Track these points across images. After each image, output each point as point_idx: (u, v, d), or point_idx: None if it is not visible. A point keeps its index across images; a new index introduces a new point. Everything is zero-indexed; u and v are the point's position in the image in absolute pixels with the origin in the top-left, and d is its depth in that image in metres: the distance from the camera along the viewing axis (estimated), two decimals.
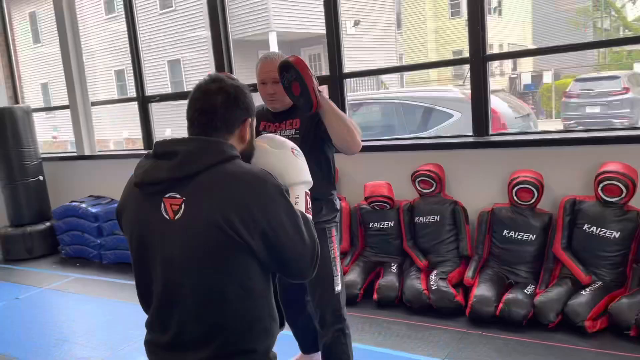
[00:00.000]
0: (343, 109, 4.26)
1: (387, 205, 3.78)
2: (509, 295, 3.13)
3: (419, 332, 3.16)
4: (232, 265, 1.23)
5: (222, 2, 4.75)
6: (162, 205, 1.26)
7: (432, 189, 3.68)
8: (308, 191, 1.42)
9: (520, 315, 3.05)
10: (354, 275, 3.70)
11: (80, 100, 5.64)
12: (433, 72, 16.82)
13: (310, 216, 1.38)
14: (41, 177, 5.69)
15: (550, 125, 13.93)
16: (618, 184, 3.00)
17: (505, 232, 3.41)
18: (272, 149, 1.42)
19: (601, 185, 3.07)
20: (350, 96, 6.86)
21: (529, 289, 3.20)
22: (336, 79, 4.25)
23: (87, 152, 5.72)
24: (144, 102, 5.33)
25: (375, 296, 3.56)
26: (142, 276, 1.34)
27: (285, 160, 1.41)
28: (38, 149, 5.74)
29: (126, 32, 5.28)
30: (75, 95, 5.62)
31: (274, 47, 13.24)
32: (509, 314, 3.07)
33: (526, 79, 18.00)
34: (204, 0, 13.63)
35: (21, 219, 5.57)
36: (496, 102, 5.07)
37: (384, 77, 14.30)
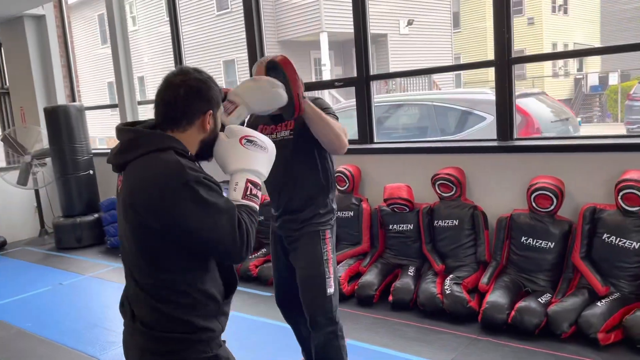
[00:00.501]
0: (369, 111, 4.30)
1: (406, 208, 3.79)
2: (521, 303, 3.08)
3: (428, 336, 3.16)
4: (145, 243, 1.38)
5: (257, 5, 4.88)
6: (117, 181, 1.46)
7: (452, 192, 3.65)
8: (254, 179, 1.46)
9: (532, 324, 2.99)
10: (371, 276, 3.73)
11: (128, 99, 5.95)
12: (483, 72, 16.42)
13: (248, 202, 1.43)
14: (91, 171, 6.05)
15: (614, 129, 13.29)
16: (638, 192, 2.89)
17: (523, 238, 3.35)
18: (223, 138, 1.49)
19: (621, 193, 2.96)
20: (379, 98, 6.87)
21: (544, 298, 3.13)
22: (363, 81, 4.28)
23: None
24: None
25: (390, 298, 3.59)
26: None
27: (230, 149, 1.46)
28: (89, 144, 6.11)
29: (172, 36, 5.53)
30: (123, 94, 5.94)
31: (324, 48, 13.37)
32: (521, 322, 3.01)
33: (594, 80, 17.25)
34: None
35: (72, 210, 5.95)
36: (532, 106, 4.94)
37: (436, 77, 14.09)
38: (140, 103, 6.11)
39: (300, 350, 2.72)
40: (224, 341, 1.55)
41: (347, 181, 4.09)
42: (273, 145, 1.54)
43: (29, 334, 3.62)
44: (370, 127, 4.33)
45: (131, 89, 5.98)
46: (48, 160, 6.30)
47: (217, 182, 1.40)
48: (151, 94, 15.38)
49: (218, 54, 14.30)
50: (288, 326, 2.63)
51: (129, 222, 1.37)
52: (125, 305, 1.49)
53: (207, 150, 1.49)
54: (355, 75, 4.37)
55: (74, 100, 6.86)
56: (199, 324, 1.42)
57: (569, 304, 2.99)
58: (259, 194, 1.47)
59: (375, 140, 4.37)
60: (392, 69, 14.93)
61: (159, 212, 1.32)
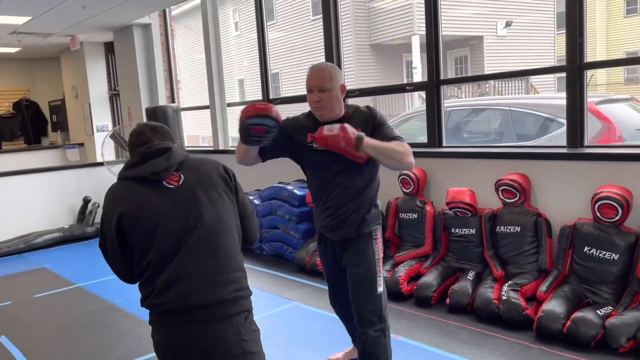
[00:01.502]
0: (438, 115, 4.35)
1: (469, 212, 3.81)
2: (578, 314, 3.02)
3: (480, 339, 3.19)
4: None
5: (335, 10, 5.08)
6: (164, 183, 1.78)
7: (515, 199, 3.62)
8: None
9: (588, 336, 2.93)
10: (431, 278, 3.80)
11: (218, 101, 6.41)
12: (601, 76, 15.40)
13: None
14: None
15: None
16: None
17: (586, 248, 3.26)
18: None
19: None
20: (451, 102, 6.76)
21: (604, 310, 3.04)
22: (433, 85, 4.33)
23: (221, 147, 6.49)
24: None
25: (447, 300, 3.63)
26: (156, 246, 1.72)
27: None
28: (183, 142, 6.65)
29: (259, 41, 5.89)
30: (214, 96, 6.41)
31: (416, 51, 13.32)
32: (576, 333, 2.96)
33: None
34: (351, 7, 14.16)
35: None
36: (618, 112, 4.71)
37: (534, 80, 13.50)
38: (229, 105, 6.55)
39: (350, 340, 2.88)
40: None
41: (412, 184, 4.17)
42: None
43: (118, 308, 4.09)
44: (439, 131, 4.37)
45: (222, 92, 6.43)
46: None
47: None
48: (250, 96, 16.21)
49: (312, 57, 14.74)
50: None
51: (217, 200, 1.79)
52: None
53: None
54: (426, 79, 4.43)
55: (173, 102, 7.48)
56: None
57: (629, 318, 2.89)
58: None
59: (444, 145, 4.40)
60: (487, 71, 14.51)
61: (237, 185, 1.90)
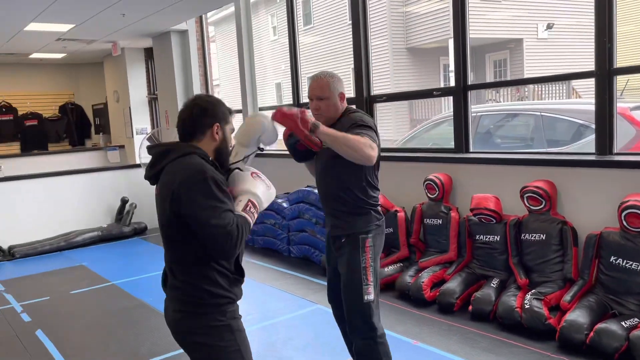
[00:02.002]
0: (466, 121, 4.32)
1: (493, 219, 3.77)
2: (601, 325, 2.95)
3: (499, 348, 3.16)
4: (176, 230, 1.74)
5: (365, 14, 5.11)
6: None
7: (541, 206, 3.57)
8: (254, 200, 1.78)
9: (611, 347, 2.86)
10: (454, 284, 3.78)
11: (250, 104, 6.54)
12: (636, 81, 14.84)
13: (245, 215, 1.73)
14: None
15: None
16: None
17: (612, 258, 3.18)
18: (238, 171, 1.86)
19: None
20: (482, 107, 6.64)
21: (630, 322, 2.96)
22: (460, 91, 4.31)
23: None
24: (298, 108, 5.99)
25: (470, 307, 3.61)
26: None
27: (241, 177, 1.83)
28: None
29: (290, 45, 5.99)
30: (246, 100, 6.54)
31: (452, 54, 13.16)
32: (599, 344, 2.90)
33: None
34: (387, 11, 14.12)
35: None
36: None
37: (576, 84, 13.15)
38: (261, 109, 6.67)
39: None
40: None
41: (437, 189, 4.16)
42: (274, 190, 1.89)
43: (148, 306, 4.23)
44: (466, 137, 4.35)
45: (254, 96, 6.55)
46: None
47: (226, 189, 1.73)
48: (286, 99, 16.39)
49: (350, 61, 14.79)
50: None
51: (165, 212, 1.73)
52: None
53: (222, 158, 1.84)
54: (453, 84, 4.41)
55: None
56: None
57: None
58: (256, 214, 1.78)
59: (471, 150, 4.37)
60: (527, 74, 14.21)
61: (182, 201, 1.66)
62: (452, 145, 4.48)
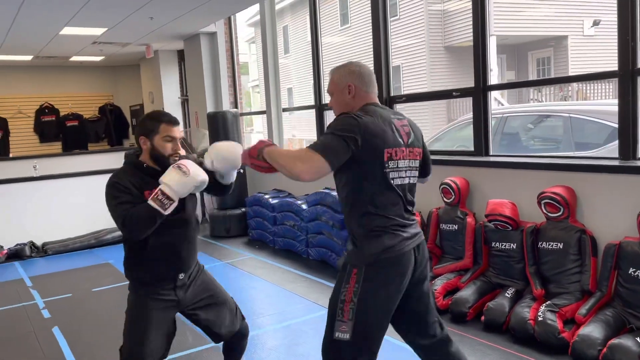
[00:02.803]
0: (485, 123, 4.18)
1: (509, 226, 3.62)
2: (615, 340, 2.78)
3: None
4: None
5: (385, 13, 5.02)
6: None
7: (559, 213, 3.40)
8: (166, 190, 2.07)
9: None
10: (467, 293, 3.65)
11: (274, 106, 6.55)
12: None
13: (151, 202, 2.06)
14: (242, 170, 6.78)
15: None
16: None
17: (631, 270, 3.00)
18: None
19: None
20: (508, 108, 6.39)
21: None
22: (479, 91, 4.17)
23: None
24: (320, 109, 5.95)
25: (482, 318, 3.48)
26: None
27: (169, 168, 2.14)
28: (243, 145, 6.84)
29: (312, 46, 5.96)
30: (270, 102, 6.55)
31: (493, 52, 12.82)
32: None
33: None
34: (425, 9, 13.88)
35: (225, 204, 6.74)
36: None
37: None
38: (284, 110, 6.67)
39: None
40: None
41: (453, 193, 4.03)
42: (200, 176, 2.10)
43: None
44: (485, 139, 4.20)
45: (277, 97, 6.56)
46: None
47: (127, 187, 2.16)
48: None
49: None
50: None
51: None
52: None
53: (158, 161, 2.24)
54: (472, 85, 4.27)
55: (236, 107, 7.73)
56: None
57: None
58: (166, 202, 2.07)
59: (490, 153, 4.22)
60: (572, 72, 13.68)
61: None
62: (470, 148, 4.34)
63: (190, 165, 2.12)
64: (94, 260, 5.96)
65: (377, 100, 2.10)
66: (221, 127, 6.63)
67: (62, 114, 10.16)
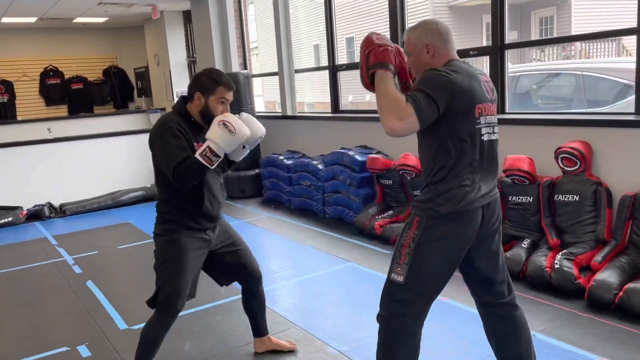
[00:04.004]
0: (502, 82, 4.26)
1: (526, 180, 3.77)
2: (631, 285, 2.96)
3: (527, 305, 3.18)
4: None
5: None
6: None
7: (576, 167, 3.54)
8: (213, 147, 2.21)
9: None
10: None
11: (286, 67, 6.58)
12: None
13: (199, 158, 2.21)
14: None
15: None
16: None
17: None
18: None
19: None
20: (521, 67, 6.44)
21: None
22: (497, 50, 4.24)
23: (289, 113, 6.69)
24: (334, 70, 6.00)
25: None
26: None
27: (211, 126, 2.25)
28: (254, 108, 6.91)
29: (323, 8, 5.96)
30: (282, 63, 6.59)
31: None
32: (627, 304, 2.92)
33: None
34: None
35: (238, 164, 6.81)
36: None
37: (626, 41, 12.54)
38: (297, 71, 6.70)
39: None
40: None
41: None
42: (245, 132, 2.21)
43: None
44: (502, 98, 4.30)
45: (290, 58, 6.59)
46: None
47: (182, 132, 2.28)
48: (324, 62, 16.32)
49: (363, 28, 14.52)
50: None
51: None
52: None
53: (205, 120, 2.34)
54: (489, 44, 4.34)
55: (245, 68, 7.75)
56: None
57: None
58: (214, 158, 2.20)
59: (507, 111, 4.33)
60: (575, 32, 13.63)
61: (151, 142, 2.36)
62: None
63: (235, 122, 2.21)
64: (113, 220, 6.11)
65: (457, 57, 2.02)
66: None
67: (66, 76, 10.13)
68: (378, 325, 2.04)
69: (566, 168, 3.60)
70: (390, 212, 4.77)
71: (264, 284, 2.75)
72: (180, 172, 2.20)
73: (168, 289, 2.36)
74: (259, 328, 2.80)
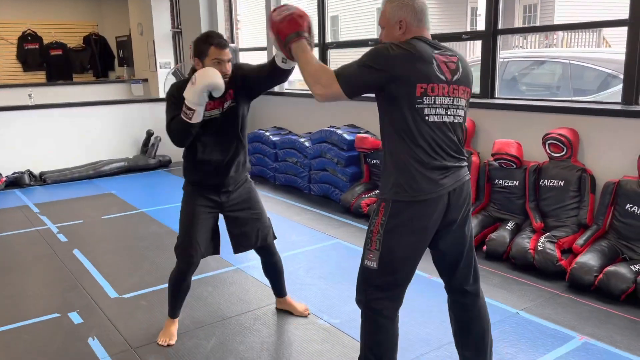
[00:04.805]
0: (493, 67, 4.33)
1: (513, 164, 3.86)
2: (611, 267, 3.09)
3: (511, 285, 3.33)
4: None
5: None
6: None
7: (562, 153, 3.65)
8: (186, 103, 2.35)
9: (619, 289, 3.01)
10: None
11: None
12: None
13: (181, 116, 2.37)
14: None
15: None
16: None
17: (628, 206, 3.29)
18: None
19: None
20: (509, 53, 6.53)
21: (638, 266, 3.10)
22: (490, 35, 4.29)
23: (276, 89, 6.65)
24: (324, 48, 5.98)
25: (484, 248, 3.77)
26: None
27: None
28: None
29: None
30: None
31: None
32: (607, 285, 3.05)
33: None
34: None
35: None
36: None
37: (606, 33, 12.77)
38: None
39: None
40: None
41: None
42: (207, 80, 2.29)
43: (176, 233, 4.45)
44: (492, 83, 4.37)
45: None
46: None
47: (178, 99, 2.40)
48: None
49: (359, 4, 14.45)
50: None
51: None
52: None
53: None
54: (483, 28, 4.39)
55: (232, 42, 7.66)
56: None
57: None
58: (189, 112, 2.34)
59: (496, 96, 4.40)
60: (557, 21, 13.81)
61: None
62: (476, 90, 4.51)
63: (200, 75, 2.33)
64: (95, 190, 6.04)
65: (427, 35, 1.98)
66: None
67: (45, 42, 9.86)
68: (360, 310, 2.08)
69: (553, 154, 3.70)
70: (377, 191, 4.84)
71: (250, 257, 2.86)
72: (168, 130, 2.46)
73: (180, 237, 2.65)
74: (277, 289, 3.03)
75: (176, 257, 2.68)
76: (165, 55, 8.85)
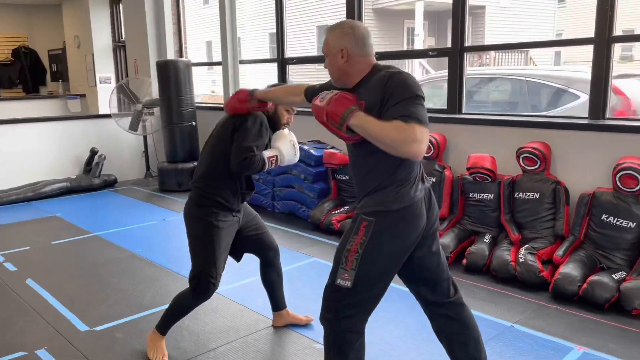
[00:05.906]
0: (460, 82, 4.41)
1: (488, 178, 3.92)
2: (594, 277, 3.17)
3: (497, 298, 3.34)
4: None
5: None
6: None
7: (536, 166, 3.74)
8: (272, 154, 2.56)
9: (602, 298, 3.09)
10: (447, 240, 3.93)
11: (231, 58, 6.37)
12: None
13: (266, 158, 2.50)
14: (194, 123, 6.58)
15: None
16: None
17: (604, 216, 3.40)
18: (283, 129, 2.66)
19: None
20: (471, 70, 6.79)
21: (619, 275, 3.20)
22: (456, 52, 4.38)
23: None
24: (283, 63, 5.89)
25: (464, 261, 3.78)
26: None
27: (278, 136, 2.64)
28: (194, 98, 6.62)
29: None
30: (227, 53, 6.36)
31: (419, 18, 13.24)
32: (591, 295, 3.12)
33: None
34: None
35: (175, 156, 6.53)
36: (633, 88, 4.82)
37: (533, 53, 13.55)
38: (242, 62, 6.51)
39: None
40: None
41: (433, 148, 4.26)
42: (296, 159, 2.66)
43: (139, 257, 4.17)
44: (459, 98, 4.44)
45: (234, 49, 6.38)
46: (156, 109, 6.92)
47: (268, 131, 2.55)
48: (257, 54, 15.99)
49: (314, 19, 14.56)
50: None
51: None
52: None
53: (271, 124, 2.61)
54: (449, 46, 4.47)
55: (181, 56, 7.41)
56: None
57: None
58: (274, 165, 2.56)
59: (463, 111, 4.48)
60: (488, 42, 14.52)
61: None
62: (442, 106, 4.58)
63: (297, 146, 2.64)
64: (38, 214, 5.57)
65: (373, 61, 1.98)
66: (172, 77, 6.35)
67: None
68: (325, 329, 2.00)
69: (527, 167, 3.78)
70: (346, 207, 4.77)
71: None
72: (247, 162, 2.41)
73: (203, 265, 2.50)
74: (277, 301, 2.95)
75: (196, 284, 2.53)
76: (105, 70, 8.43)
